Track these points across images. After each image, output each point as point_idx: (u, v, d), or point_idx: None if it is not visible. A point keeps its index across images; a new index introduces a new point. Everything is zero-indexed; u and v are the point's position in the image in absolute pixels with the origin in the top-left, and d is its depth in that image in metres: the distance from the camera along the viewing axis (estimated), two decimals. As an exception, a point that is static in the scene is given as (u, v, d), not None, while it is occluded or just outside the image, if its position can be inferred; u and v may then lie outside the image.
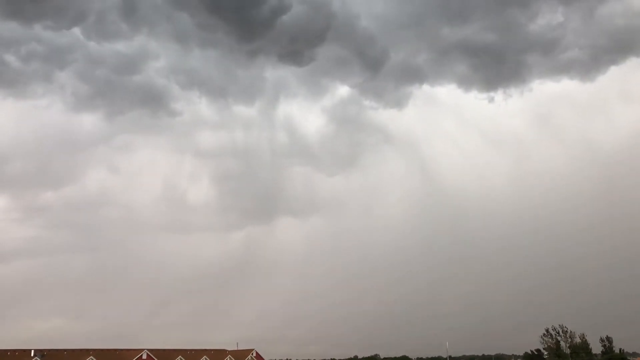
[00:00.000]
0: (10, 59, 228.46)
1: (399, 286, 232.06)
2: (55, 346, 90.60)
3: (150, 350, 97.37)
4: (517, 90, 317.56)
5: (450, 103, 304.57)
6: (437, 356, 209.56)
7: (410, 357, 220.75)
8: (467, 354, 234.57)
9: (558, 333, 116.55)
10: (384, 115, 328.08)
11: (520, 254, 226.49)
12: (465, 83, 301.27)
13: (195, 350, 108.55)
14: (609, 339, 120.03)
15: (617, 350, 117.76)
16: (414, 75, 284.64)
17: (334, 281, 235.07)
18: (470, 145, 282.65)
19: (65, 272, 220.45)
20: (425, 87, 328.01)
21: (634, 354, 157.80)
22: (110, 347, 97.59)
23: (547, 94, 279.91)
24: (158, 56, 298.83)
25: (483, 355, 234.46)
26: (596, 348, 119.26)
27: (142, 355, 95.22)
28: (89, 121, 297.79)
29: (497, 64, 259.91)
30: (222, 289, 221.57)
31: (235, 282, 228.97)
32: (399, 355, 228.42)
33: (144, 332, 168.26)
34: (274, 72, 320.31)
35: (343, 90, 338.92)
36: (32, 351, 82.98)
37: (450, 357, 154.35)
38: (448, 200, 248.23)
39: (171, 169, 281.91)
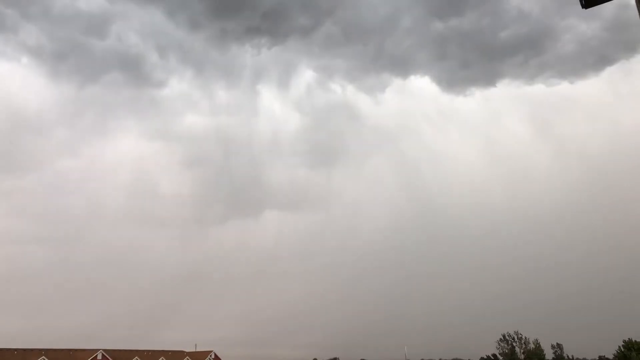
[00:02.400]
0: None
1: (359, 290, 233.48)
2: (5, 345, 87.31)
3: (106, 351, 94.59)
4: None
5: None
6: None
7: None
8: (425, 358, 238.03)
9: (513, 339, 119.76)
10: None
11: (479, 261, 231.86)
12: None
13: (153, 351, 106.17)
14: (559, 346, 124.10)
15: (567, 356, 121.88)
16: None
17: (294, 283, 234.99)
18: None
19: (21, 265, 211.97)
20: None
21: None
22: (64, 347, 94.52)
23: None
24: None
25: (440, 359, 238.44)
26: (549, 354, 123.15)
27: (97, 355, 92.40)
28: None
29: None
30: (184, 288, 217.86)
31: (198, 280, 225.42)
32: (358, 358, 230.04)
33: (100, 331, 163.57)
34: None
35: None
36: (-20, 350, 79.69)
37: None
38: (424, 201, 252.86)
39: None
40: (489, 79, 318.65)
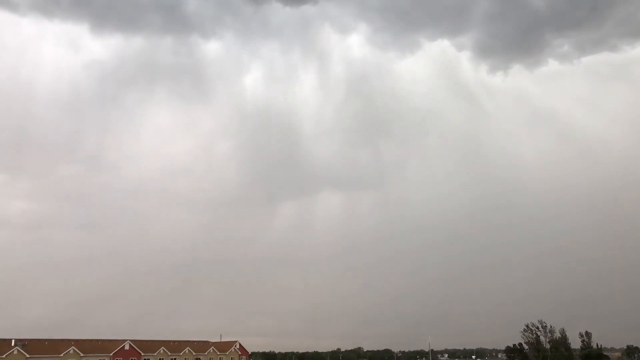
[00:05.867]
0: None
1: (382, 281, 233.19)
2: (37, 336, 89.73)
3: (133, 341, 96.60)
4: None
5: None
6: (419, 350, 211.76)
7: (392, 350, 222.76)
8: (449, 348, 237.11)
9: (538, 328, 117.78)
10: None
11: (504, 252, 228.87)
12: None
13: (179, 342, 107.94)
14: (588, 334, 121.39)
15: (595, 345, 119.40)
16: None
17: (316, 276, 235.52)
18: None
19: (55, 252, 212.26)
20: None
21: (612, 349, 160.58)
22: (92, 338, 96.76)
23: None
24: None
25: (465, 349, 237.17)
26: (575, 343, 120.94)
27: (124, 346, 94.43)
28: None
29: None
30: (210, 279, 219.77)
31: (225, 271, 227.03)
32: (381, 348, 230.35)
33: (127, 321, 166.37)
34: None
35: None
36: (13, 341, 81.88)
37: (432, 351, 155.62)
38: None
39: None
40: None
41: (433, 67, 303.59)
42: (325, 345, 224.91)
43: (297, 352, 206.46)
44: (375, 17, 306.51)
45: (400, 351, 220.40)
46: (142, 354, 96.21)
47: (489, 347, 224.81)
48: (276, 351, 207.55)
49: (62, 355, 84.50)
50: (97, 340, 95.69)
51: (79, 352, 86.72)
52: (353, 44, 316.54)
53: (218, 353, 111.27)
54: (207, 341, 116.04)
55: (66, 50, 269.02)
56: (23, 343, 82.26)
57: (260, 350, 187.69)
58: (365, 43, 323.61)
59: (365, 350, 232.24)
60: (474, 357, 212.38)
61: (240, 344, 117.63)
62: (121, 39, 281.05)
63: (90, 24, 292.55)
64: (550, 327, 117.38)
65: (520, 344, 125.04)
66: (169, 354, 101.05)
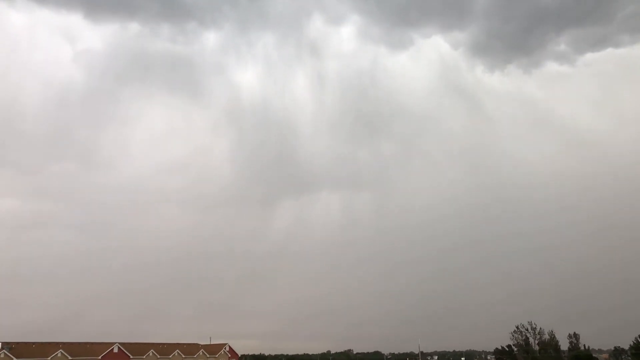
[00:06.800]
0: None
1: (372, 283, 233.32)
2: (24, 339, 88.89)
3: (122, 344, 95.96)
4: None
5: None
6: (409, 352, 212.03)
7: (382, 352, 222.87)
8: (439, 350, 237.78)
9: (527, 330, 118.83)
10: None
11: (491, 254, 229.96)
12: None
13: (168, 344, 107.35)
14: (576, 336, 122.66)
15: (583, 347, 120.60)
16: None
17: (306, 277, 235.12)
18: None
19: (46, 253, 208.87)
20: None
21: (599, 351, 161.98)
22: (81, 341, 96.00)
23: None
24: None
25: (454, 351, 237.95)
26: (564, 344, 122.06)
27: (113, 349, 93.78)
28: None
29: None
30: (200, 280, 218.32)
31: (214, 273, 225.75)
32: (371, 351, 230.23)
33: (116, 324, 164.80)
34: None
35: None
36: (0, 344, 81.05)
37: (422, 353, 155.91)
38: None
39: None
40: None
41: (428, 62, 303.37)
42: (315, 348, 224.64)
43: (287, 354, 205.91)
44: (371, 10, 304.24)
45: (390, 353, 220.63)
46: (131, 356, 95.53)
47: (479, 349, 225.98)
48: (266, 353, 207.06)
49: (49, 358, 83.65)
50: (86, 343, 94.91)
51: (67, 356, 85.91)
52: (346, 37, 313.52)
53: (208, 356, 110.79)
54: (196, 344, 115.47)
55: (59, 39, 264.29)
56: (10, 346, 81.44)
57: (250, 353, 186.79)
58: (359, 36, 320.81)
59: (355, 352, 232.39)
60: (463, 359, 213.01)
61: (230, 347, 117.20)
62: (117, 27, 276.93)
63: (84, 11, 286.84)
64: (540, 328, 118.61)
65: (509, 346, 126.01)
66: (158, 356, 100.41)
